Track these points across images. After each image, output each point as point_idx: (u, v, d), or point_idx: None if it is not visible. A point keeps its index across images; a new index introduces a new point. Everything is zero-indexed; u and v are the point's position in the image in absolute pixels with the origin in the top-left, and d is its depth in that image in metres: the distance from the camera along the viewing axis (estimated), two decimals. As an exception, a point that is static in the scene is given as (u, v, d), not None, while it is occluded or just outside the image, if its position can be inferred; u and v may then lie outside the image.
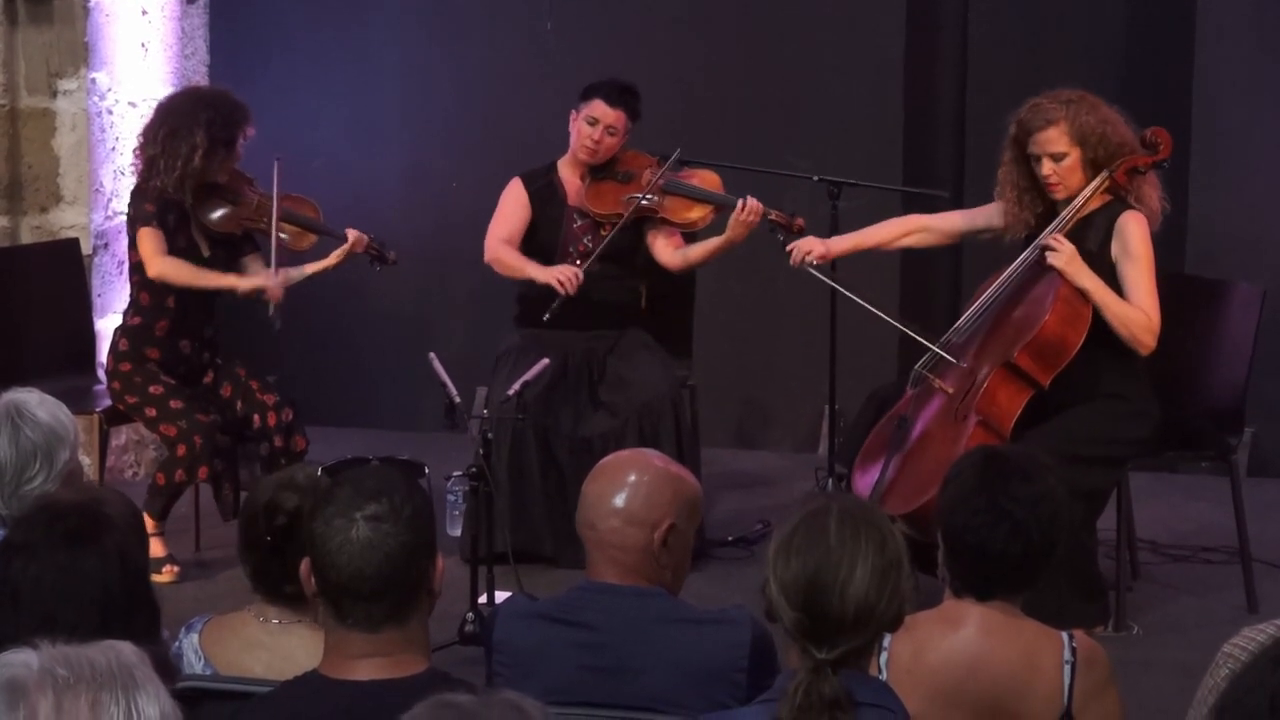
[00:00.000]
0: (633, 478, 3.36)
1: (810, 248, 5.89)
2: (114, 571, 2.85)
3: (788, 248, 5.92)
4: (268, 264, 6.20)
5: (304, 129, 7.85)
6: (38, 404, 3.68)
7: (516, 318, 6.40)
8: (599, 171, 6.35)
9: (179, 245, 6.14)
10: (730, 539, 6.42)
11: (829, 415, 6.70)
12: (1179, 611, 5.79)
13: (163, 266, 6.08)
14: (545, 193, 6.37)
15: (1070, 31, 7.65)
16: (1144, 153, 5.53)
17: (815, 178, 6.39)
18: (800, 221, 6.20)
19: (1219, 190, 7.32)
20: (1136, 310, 5.41)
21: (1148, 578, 6.07)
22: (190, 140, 6.05)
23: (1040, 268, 5.49)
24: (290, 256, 6.35)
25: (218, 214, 6.21)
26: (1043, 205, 5.60)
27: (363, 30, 8.07)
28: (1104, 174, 5.48)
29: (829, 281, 5.97)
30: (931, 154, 7.73)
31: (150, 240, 6.09)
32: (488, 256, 6.35)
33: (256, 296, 6.16)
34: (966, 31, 7.73)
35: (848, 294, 5.89)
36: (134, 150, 6.30)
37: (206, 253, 6.21)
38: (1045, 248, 5.45)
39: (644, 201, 6.23)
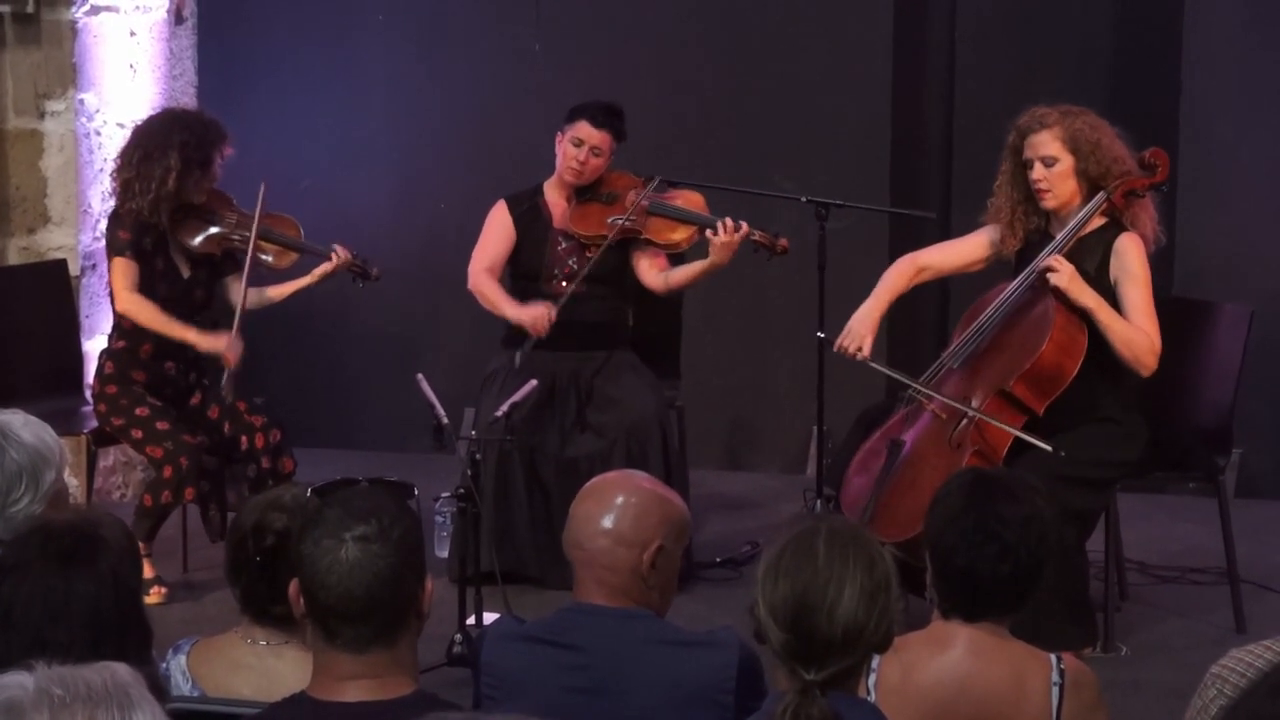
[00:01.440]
0: (621, 499, 3.36)
1: (858, 345, 5.60)
2: (107, 594, 2.84)
3: (834, 348, 5.65)
4: (246, 284, 6.18)
5: (292, 149, 7.86)
6: (22, 425, 3.66)
7: (504, 339, 6.40)
8: (584, 193, 6.35)
9: (158, 267, 6.11)
10: (718, 560, 6.41)
11: (817, 436, 6.69)
12: (1167, 632, 5.79)
13: (128, 304, 6.04)
14: (530, 215, 6.37)
15: (1057, 53, 7.66)
16: (1142, 174, 5.52)
17: (803, 198, 6.38)
18: (784, 242, 6.19)
19: (1206, 211, 7.33)
20: (1139, 331, 5.40)
21: (1136, 599, 6.07)
22: (164, 163, 6.00)
23: (1037, 292, 5.46)
24: (272, 275, 6.33)
25: (195, 236, 6.17)
26: (1036, 221, 5.59)
27: (352, 51, 8.08)
28: (1101, 195, 5.47)
29: (888, 371, 5.80)
30: (919, 175, 7.74)
31: (121, 273, 6.04)
32: (470, 285, 6.35)
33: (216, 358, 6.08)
34: (954, 53, 7.75)
35: (898, 376, 5.72)
36: (110, 174, 6.28)
37: (187, 273, 6.19)
38: (1046, 269, 5.42)
39: (626, 223, 6.22)
